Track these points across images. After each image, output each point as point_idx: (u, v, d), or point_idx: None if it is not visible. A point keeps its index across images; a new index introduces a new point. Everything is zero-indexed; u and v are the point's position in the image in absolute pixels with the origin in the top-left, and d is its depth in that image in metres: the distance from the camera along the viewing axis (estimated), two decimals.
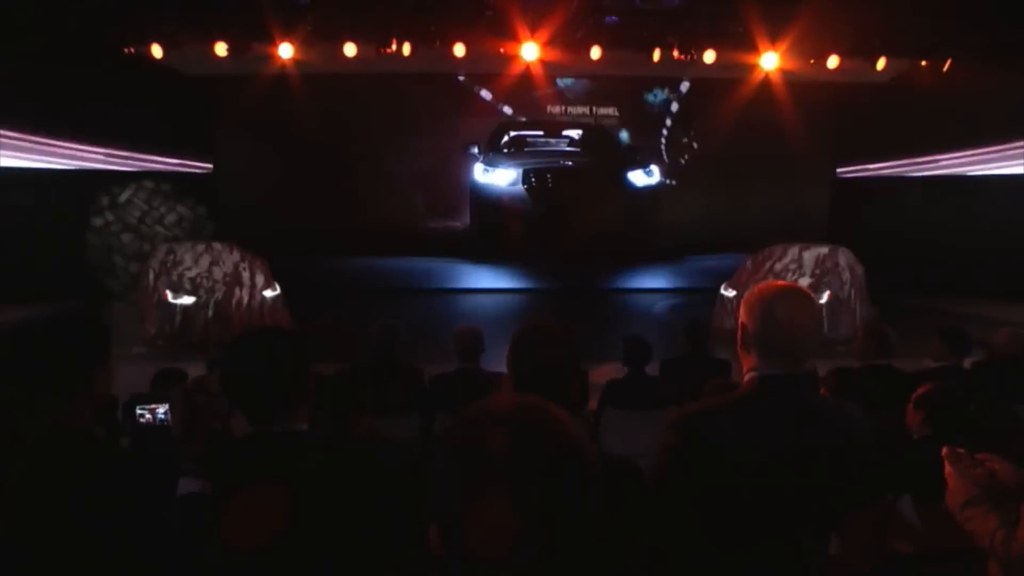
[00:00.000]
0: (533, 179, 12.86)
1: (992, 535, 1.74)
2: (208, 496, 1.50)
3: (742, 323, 1.64)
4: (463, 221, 13.94)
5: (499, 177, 13.11)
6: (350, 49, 9.83)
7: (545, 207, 12.89)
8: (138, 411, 1.89)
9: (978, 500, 1.81)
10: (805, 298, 1.64)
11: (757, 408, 1.55)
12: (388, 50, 9.78)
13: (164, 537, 1.46)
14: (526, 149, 13.41)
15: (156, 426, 1.81)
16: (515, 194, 12.95)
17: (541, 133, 13.64)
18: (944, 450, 1.95)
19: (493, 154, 13.29)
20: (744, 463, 1.47)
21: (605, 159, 13.41)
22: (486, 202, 13.22)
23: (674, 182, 14.14)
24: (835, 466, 1.52)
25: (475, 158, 13.32)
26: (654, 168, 13.45)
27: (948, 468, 1.94)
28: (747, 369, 1.63)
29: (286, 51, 9.97)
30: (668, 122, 14.14)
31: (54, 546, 1.44)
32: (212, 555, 1.42)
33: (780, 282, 1.75)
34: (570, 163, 13.18)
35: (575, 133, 13.67)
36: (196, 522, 1.46)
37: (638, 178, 13.36)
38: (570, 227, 12.95)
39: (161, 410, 1.81)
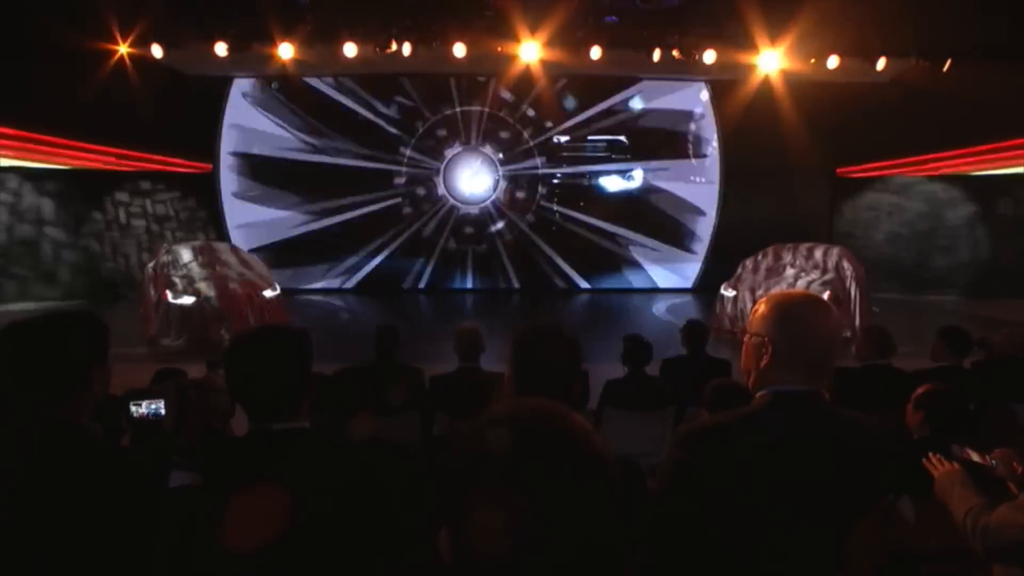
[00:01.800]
0: (503, 183, 13.82)
1: (967, 511, 1.76)
2: (199, 488, 1.51)
3: (762, 336, 1.54)
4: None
5: (478, 182, 13.87)
6: (350, 49, 9.82)
7: (511, 210, 13.92)
8: (131, 406, 1.89)
9: (962, 484, 1.84)
10: (828, 307, 1.58)
11: (772, 425, 1.49)
12: (388, 50, 9.78)
13: (157, 530, 1.47)
14: (563, 153, 14.03)
15: (149, 421, 1.82)
16: (486, 198, 13.89)
17: (568, 138, 13.96)
18: (926, 462, 1.99)
19: (469, 156, 13.84)
20: (756, 481, 1.43)
21: (585, 165, 14.06)
22: (462, 205, 13.92)
23: (672, 182, 14.14)
24: (852, 485, 1.47)
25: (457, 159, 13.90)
26: (635, 175, 13.96)
27: (931, 471, 1.98)
28: (763, 384, 1.54)
29: (286, 51, 9.96)
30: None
31: (53, 542, 1.44)
32: (204, 547, 1.43)
33: (798, 291, 1.68)
34: (542, 171, 13.92)
35: (598, 137, 14.02)
36: (188, 514, 1.47)
37: (612, 183, 14.01)
38: (538, 230, 13.95)
39: (155, 405, 1.82)
